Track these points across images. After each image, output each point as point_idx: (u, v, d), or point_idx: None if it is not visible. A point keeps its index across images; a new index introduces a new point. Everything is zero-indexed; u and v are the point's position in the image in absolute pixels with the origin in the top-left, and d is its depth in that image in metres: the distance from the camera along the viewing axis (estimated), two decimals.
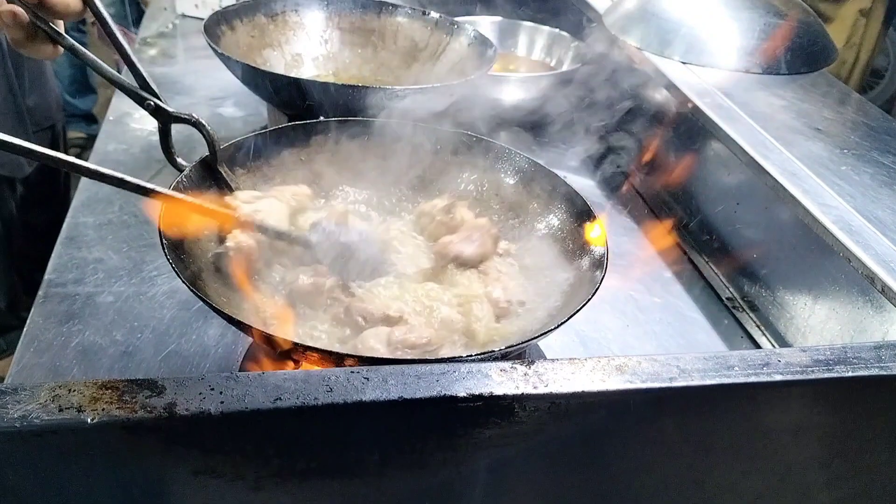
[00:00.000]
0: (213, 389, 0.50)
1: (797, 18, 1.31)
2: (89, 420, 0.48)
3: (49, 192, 2.03)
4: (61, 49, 0.76)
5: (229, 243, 0.77)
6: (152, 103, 0.80)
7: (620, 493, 0.68)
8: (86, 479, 0.52)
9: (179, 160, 0.84)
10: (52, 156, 0.63)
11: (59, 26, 0.75)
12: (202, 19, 1.80)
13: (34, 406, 0.48)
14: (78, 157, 0.66)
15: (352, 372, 0.54)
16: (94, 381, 0.50)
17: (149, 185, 0.69)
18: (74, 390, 0.50)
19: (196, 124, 0.80)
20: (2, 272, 1.82)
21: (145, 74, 0.79)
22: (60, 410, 0.48)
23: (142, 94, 0.80)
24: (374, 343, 0.72)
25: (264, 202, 0.83)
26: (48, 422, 0.47)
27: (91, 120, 3.14)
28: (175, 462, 0.53)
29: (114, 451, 0.51)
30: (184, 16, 1.94)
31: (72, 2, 0.72)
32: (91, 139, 3.03)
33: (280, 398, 0.51)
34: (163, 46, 1.79)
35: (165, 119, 0.81)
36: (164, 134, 0.82)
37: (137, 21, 2.08)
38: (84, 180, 1.21)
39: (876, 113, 1.17)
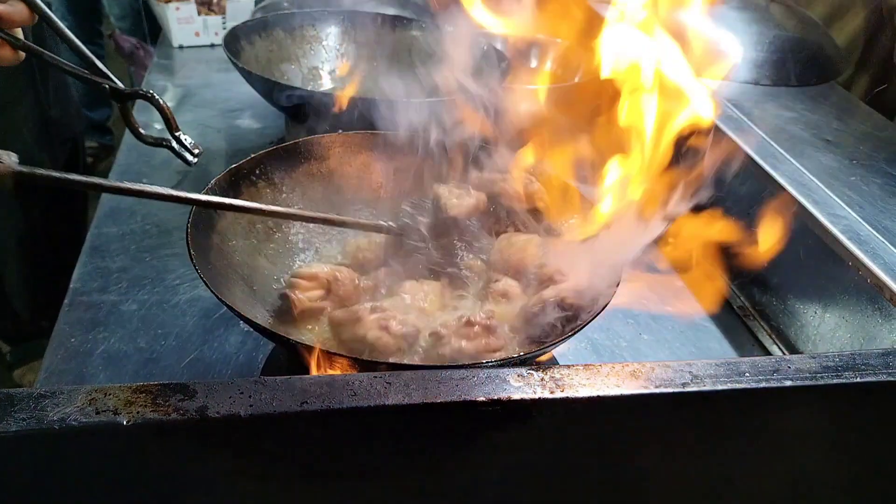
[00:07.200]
0: (242, 393, 0.52)
1: (805, 31, 1.32)
2: (125, 422, 0.50)
3: (69, 201, 2.06)
4: (22, 54, 0.84)
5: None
6: (107, 86, 0.85)
7: (634, 497, 0.69)
8: (118, 479, 0.55)
9: (142, 132, 0.88)
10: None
11: (18, 33, 0.83)
12: (204, 47, 1.82)
13: (72, 409, 0.50)
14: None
15: (375, 377, 0.55)
16: (128, 386, 0.52)
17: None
18: (110, 394, 0.52)
19: (148, 98, 0.86)
20: (25, 282, 1.85)
21: (97, 62, 0.85)
22: (97, 413, 0.50)
23: (97, 80, 0.85)
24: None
25: None
26: (86, 423, 0.50)
27: (104, 131, 3.17)
28: (205, 462, 0.55)
29: (147, 452, 0.53)
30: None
31: (22, 11, 0.81)
32: (103, 148, 3.07)
33: (306, 402, 0.53)
34: (181, 60, 1.82)
35: (122, 97, 0.86)
36: (125, 112, 0.88)
37: (155, 36, 2.11)
38: None
39: (884, 124, 1.18)
